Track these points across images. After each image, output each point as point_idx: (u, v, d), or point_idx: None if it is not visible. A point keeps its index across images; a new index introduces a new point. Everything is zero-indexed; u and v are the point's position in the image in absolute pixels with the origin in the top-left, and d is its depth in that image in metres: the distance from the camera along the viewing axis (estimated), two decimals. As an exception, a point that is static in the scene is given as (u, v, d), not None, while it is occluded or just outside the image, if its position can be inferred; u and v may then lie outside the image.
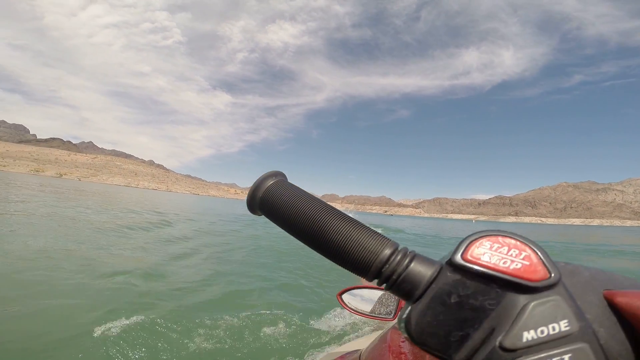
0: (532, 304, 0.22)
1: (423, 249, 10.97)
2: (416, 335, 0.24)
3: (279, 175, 0.37)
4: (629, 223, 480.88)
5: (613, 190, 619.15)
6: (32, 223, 7.81)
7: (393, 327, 0.58)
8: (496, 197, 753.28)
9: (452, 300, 0.24)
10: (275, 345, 2.69)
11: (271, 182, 0.36)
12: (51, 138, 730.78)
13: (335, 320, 3.33)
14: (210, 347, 2.58)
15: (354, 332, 3.04)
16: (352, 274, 0.29)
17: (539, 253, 0.24)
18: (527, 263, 0.23)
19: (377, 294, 0.86)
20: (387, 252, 0.28)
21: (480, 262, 0.23)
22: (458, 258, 0.24)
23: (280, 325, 3.01)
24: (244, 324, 3.00)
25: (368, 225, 0.30)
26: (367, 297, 0.84)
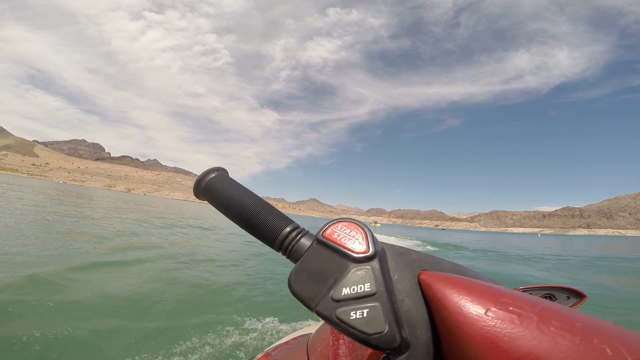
0: (354, 269, 0.31)
1: (487, 266, 9.99)
2: (292, 289, 0.33)
3: (220, 171, 0.45)
4: None
5: None
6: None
7: None
8: (564, 208, 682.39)
9: (315, 264, 0.33)
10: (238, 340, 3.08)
11: (212, 175, 0.44)
12: (122, 156, 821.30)
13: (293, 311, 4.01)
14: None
15: (306, 319, 3.65)
16: None
17: (367, 235, 0.34)
18: (357, 240, 0.33)
19: None
20: (288, 229, 0.38)
21: (331, 238, 0.34)
22: (320, 235, 0.35)
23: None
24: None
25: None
26: None
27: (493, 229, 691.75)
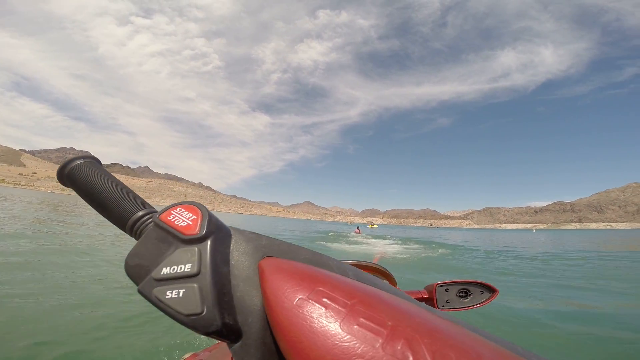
0: (179, 249, 0.31)
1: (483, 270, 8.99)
2: (126, 270, 0.32)
3: (86, 158, 0.44)
4: None
5: None
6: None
7: None
8: (555, 203, 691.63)
9: (149, 246, 0.33)
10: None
11: (76, 162, 0.43)
12: (112, 163, 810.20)
13: None
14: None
15: None
16: None
17: (202, 217, 0.33)
18: (190, 223, 0.33)
19: None
20: (141, 213, 0.38)
21: (166, 219, 0.33)
22: (156, 217, 0.34)
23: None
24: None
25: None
26: None
27: (487, 226, 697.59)
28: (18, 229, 9.06)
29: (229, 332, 0.28)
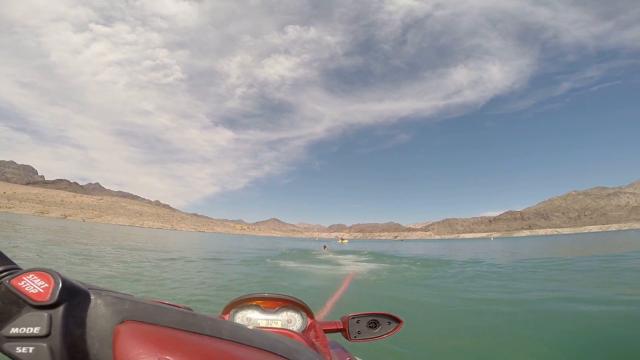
0: (29, 313, 0.33)
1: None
2: None
3: None
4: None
5: (624, 193, 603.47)
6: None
7: None
8: (507, 212, 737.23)
9: (2, 303, 0.34)
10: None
11: None
12: (58, 179, 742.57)
13: None
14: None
15: None
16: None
17: (55, 285, 0.34)
18: (41, 290, 0.33)
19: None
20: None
21: (17, 285, 0.34)
22: (7, 282, 0.34)
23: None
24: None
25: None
26: None
27: (446, 236, 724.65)
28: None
29: None
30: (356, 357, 1.02)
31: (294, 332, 0.67)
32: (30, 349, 0.31)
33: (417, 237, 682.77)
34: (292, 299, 0.85)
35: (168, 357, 0.27)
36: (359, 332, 0.96)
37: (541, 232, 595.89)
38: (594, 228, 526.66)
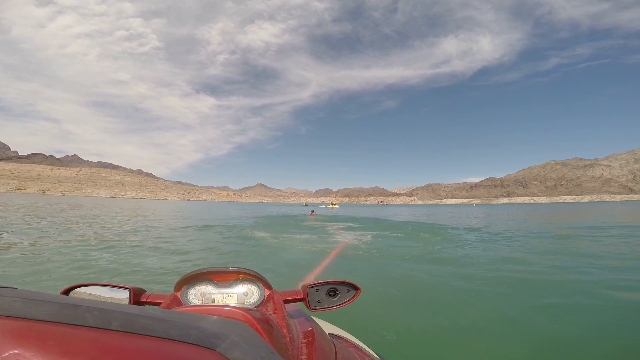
0: None
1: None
2: None
3: None
4: (618, 197, 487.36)
5: (600, 165, 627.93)
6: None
7: None
8: (487, 179, 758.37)
9: None
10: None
11: None
12: (33, 154, 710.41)
13: None
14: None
15: None
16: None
17: None
18: None
19: (109, 290, 0.88)
20: None
21: None
22: None
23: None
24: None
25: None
26: (99, 294, 0.87)
27: (429, 202, 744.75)
28: None
29: None
30: (325, 322, 1.01)
31: (243, 308, 0.61)
32: None
33: (401, 202, 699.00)
34: (246, 271, 0.82)
35: (16, 351, 0.23)
36: (318, 301, 0.95)
37: (519, 200, 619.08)
38: (568, 198, 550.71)
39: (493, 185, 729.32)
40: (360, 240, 9.63)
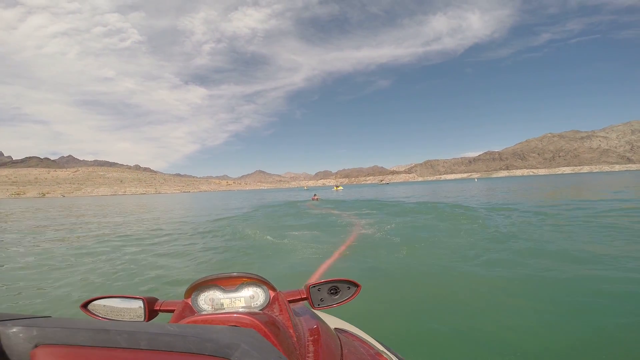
0: None
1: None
2: None
3: None
4: (617, 167, 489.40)
5: (597, 137, 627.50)
6: None
7: None
8: (486, 152, 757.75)
9: None
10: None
11: None
12: (27, 157, 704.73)
13: None
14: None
15: None
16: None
17: None
18: None
19: (124, 301, 0.93)
20: None
21: None
22: None
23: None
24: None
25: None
26: (116, 306, 0.92)
27: (429, 178, 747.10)
28: None
29: None
30: (330, 317, 1.08)
31: (250, 313, 0.66)
32: None
33: (401, 180, 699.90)
34: (251, 276, 0.85)
35: None
36: (321, 300, 0.98)
37: (518, 172, 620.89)
38: (567, 169, 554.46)
39: (492, 159, 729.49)
40: (380, 232, 7.61)
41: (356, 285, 1.00)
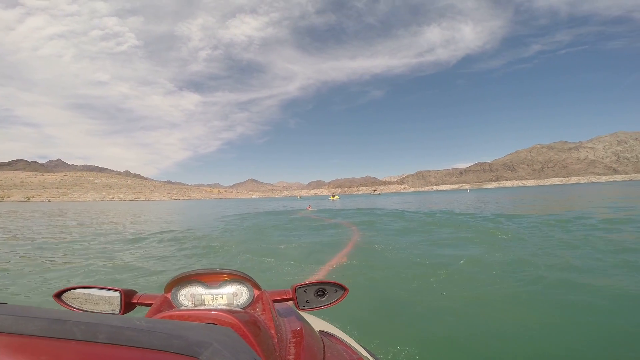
0: None
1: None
2: None
3: None
4: (604, 178, 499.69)
5: (584, 148, 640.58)
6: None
7: None
8: (476, 164, 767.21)
9: None
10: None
11: None
12: (14, 160, 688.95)
13: None
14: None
15: None
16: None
17: None
18: None
19: (101, 292, 0.89)
20: None
21: None
22: None
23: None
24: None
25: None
26: (92, 297, 0.88)
27: (421, 189, 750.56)
28: None
29: None
30: (316, 319, 1.05)
31: (230, 310, 0.63)
32: None
33: (393, 190, 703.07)
34: (234, 272, 0.83)
35: None
36: (307, 302, 0.96)
37: (508, 183, 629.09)
38: (556, 181, 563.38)
39: (482, 170, 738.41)
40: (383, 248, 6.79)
41: (344, 288, 0.97)
